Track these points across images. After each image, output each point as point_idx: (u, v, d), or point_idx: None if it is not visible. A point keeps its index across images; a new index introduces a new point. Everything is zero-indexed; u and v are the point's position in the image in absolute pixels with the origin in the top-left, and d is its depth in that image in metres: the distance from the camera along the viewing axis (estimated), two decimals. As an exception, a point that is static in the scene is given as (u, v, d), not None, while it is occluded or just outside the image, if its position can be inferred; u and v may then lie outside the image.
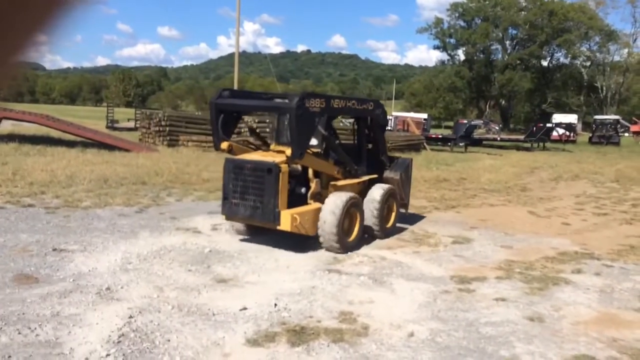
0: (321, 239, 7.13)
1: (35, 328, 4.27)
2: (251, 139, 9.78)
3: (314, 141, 7.71)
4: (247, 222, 7.37)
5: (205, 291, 5.44)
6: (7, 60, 0.54)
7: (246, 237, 7.70)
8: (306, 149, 7.12)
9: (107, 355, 3.91)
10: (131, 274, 5.85)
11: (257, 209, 6.93)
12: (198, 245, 7.17)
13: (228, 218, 7.42)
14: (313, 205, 7.31)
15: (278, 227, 6.89)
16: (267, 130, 17.91)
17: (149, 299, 5.10)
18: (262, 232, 7.60)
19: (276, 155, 7.19)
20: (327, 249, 7.15)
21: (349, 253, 7.10)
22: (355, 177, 8.20)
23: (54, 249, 6.58)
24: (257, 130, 11.09)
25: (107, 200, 9.84)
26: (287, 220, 6.78)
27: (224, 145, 7.48)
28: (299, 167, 7.36)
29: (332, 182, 7.75)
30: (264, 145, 8.28)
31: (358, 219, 7.54)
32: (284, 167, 6.90)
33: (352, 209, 7.38)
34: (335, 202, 7.15)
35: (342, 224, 7.10)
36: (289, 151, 6.83)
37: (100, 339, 4.15)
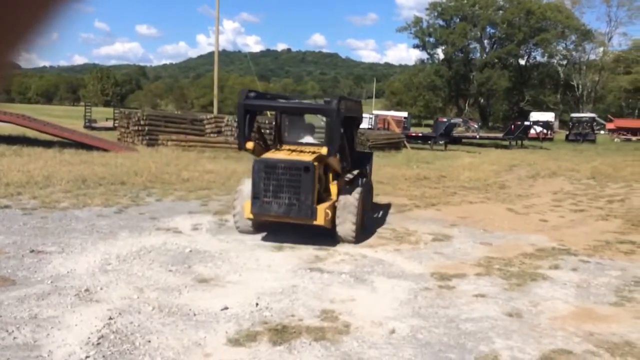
0: (340, 233, 7.45)
1: (13, 331, 4.21)
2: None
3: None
4: (280, 219, 7.47)
5: (186, 291, 5.40)
6: (4, 60, 0.53)
7: (254, 234, 7.83)
8: (338, 147, 7.57)
9: (87, 357, 3.87)
10: (110, 275, 5.78)
11: (293, 206, 7.13)
12: (178, 245, 7.12)
13: (257, 216, 7.46)
14: (332, 200, 7.69)
15: (314, 222, 7.16)
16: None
17: (129, 300, 5.05)
18: (266, 229, 7.84)
19: (302, 154, 7.55)
20: (344, 240, 7.49)
21: (330, 251, 7.14)
22: (348, 172, 8.63)
23: (32, 251, 6.47)
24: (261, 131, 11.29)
25: (86, 200, 9.71)
26: (322, 215, 7.11)
27: (250, 145, 7.64)
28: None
29: (341, 178, 8.19)
30: (265, 145, 8.55)
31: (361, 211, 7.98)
32: (317, 164, 7.24)
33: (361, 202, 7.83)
34: (353, 196, 7.58)
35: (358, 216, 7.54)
36: (324, 150, 7.24)
37: (79, 341, 4.10)
